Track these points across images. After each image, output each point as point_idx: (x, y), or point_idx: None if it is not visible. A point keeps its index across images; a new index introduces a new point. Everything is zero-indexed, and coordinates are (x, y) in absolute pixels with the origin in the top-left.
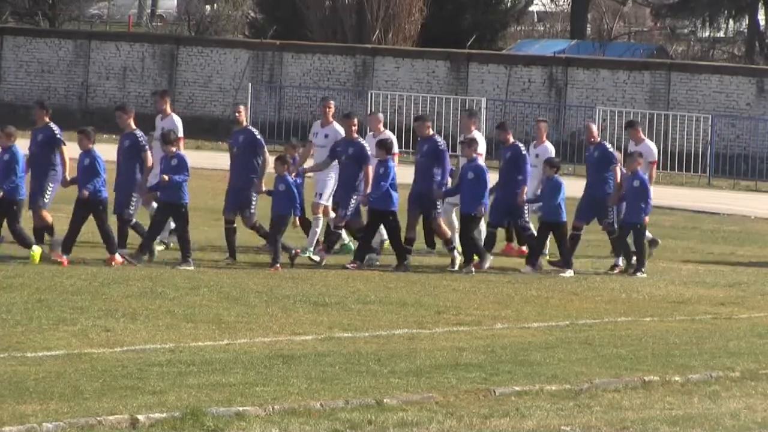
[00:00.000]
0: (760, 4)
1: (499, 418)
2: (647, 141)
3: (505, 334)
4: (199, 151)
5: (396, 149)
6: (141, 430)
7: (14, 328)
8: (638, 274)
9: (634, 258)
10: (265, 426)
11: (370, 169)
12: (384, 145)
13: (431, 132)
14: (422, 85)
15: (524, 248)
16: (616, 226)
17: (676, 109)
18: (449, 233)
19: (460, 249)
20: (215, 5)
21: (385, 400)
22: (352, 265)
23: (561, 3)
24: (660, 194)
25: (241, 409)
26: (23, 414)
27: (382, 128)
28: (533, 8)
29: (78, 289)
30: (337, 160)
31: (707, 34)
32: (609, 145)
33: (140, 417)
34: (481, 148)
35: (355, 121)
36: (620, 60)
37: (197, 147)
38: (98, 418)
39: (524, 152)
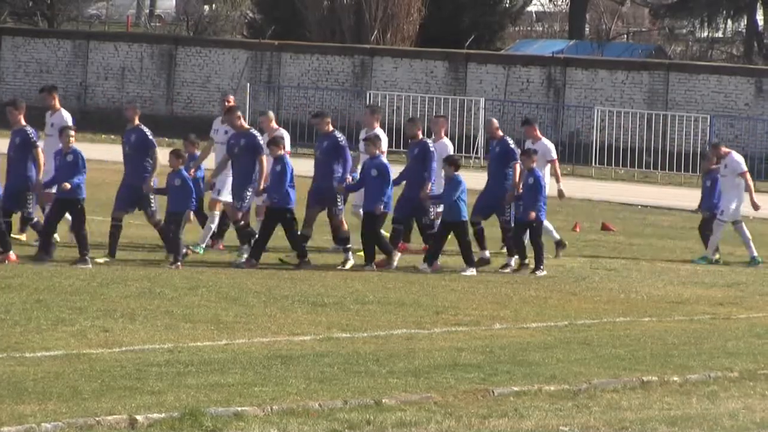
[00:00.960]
0: (758, 5)
1: (498, 418)
2: (544, 139)
3: (503, 334)
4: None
5: (288, 145)
6: (140, 430)
7: (13, 329)
8: (537, 272)
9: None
10: (263, 426)
11: (264, 159)
12: (275, 142)
13: (331, 128)
14: (420, 86)
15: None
16: (512, 223)
17: (674, 110)
18: (347, 232)
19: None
20: (213, 5)
21: (383, 400)
22: (247, 264)
23: (559, 3)
24: (659, 194)
25: (239, 409)
26: (22, 414)
27: (274, 125)
28: (531, 8)
29: (76, 289)
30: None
31: (706, 34)
32: (511, 141)
33: (139, 417)
34: (384, 144)
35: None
36: (619, 60)
37: None
38: (97, 419)
39: (432, 149)
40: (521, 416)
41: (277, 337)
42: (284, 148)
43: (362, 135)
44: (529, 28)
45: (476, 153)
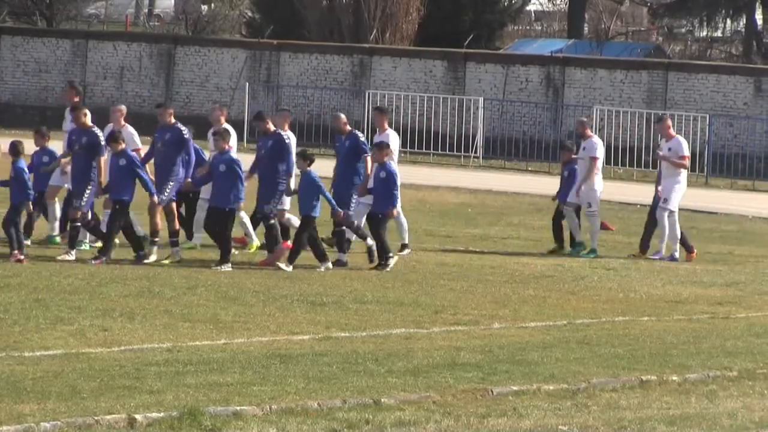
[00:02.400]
0: (757, 4)
1: (497, 417)
2: (389, 130)
3: (502, 333)
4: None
5: (138, 141)
6: (138, 429)
7: (12, 328)
8: (386, 267)
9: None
10: (262, 425)
11: (103, 160)
12: (113, 138)
13: (173, 120)
14: (419, 85)
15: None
16: (354, 219)
17: (673, 109)
18: (159, 225)
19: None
20: (212, 5)
21: (382, 400)
22: (96, 261)
23: (558, 2)
24: None
25: (238, 408)
26: (21, 413)
27: (123, 122)
28: (530, 8)
29: (75, 288)
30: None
31: (705, 33)
32: (361, 135)
33: (138, 416)
34: (233, 140)
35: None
36: (618, 59)
37: None
38: (96, 418)
39: (288, 142)
40: (520, 415)
41: (275, 336)
42: (124, 142)
43: (212, 130)
44: (527, 28)
45: (475, 152)
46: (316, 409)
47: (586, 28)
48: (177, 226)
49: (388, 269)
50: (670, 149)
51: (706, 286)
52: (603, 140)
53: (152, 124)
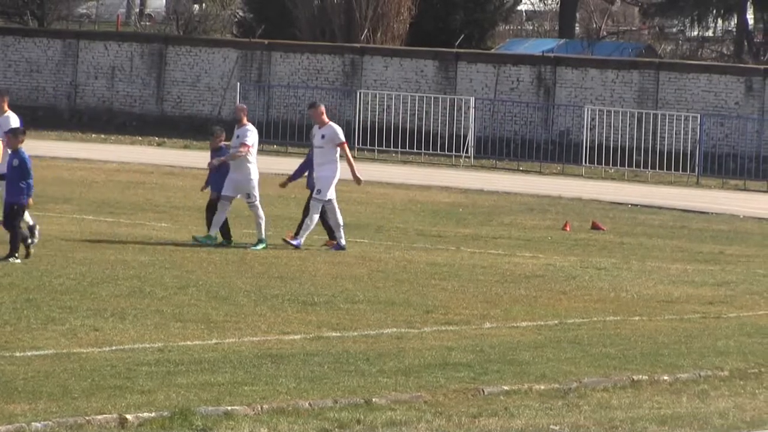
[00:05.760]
0: (748, 3)
1: (488, 417)
2: (9, 112)
3: (493, 333)
4: (188, 150)
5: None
6: (130, 429)
7: (3, 328)
8: (10, 259)
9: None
10: (253, 425)
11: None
12: None
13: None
14: (411, 85)
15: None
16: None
17: (664, 109)
18: None
19: None
20: (203, 4)
21: (373, 400)
22: None
23: (549, 2)
24: (649, 193)
25: (229, 408)
26: (12, 413)
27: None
28: (522, 7)
29: (67, 288)
30: None
31: (696, 33)
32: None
33: (129, 416)
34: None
35: None
36: (609, 59)
37: (185, 146)
38: (87, 418)
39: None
40: (511, 415)
41: (267, 336)
42: None
43: None
44: (519, 27)
45: (466, 152)
46: (308, 409)
47: (577, 28)
48: None
49: (11, 261)
50: (323, 136)
51: (698, 286)
52: (594, 140)
53: (143, 124)
